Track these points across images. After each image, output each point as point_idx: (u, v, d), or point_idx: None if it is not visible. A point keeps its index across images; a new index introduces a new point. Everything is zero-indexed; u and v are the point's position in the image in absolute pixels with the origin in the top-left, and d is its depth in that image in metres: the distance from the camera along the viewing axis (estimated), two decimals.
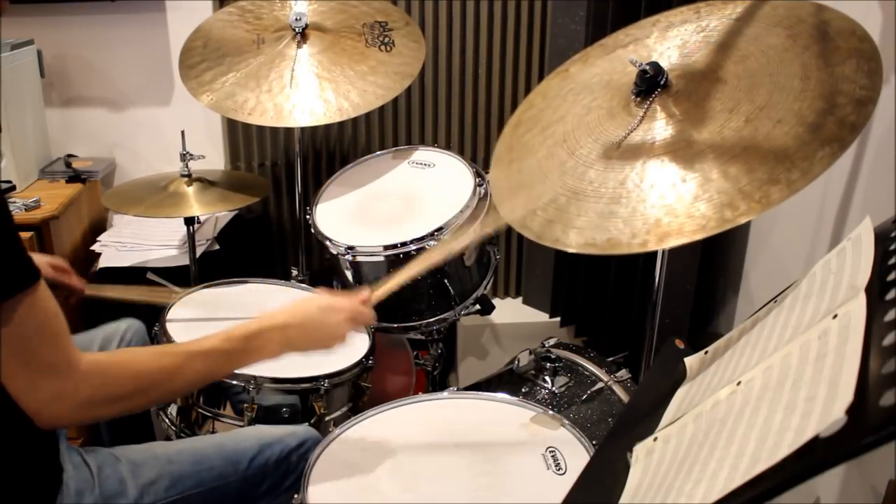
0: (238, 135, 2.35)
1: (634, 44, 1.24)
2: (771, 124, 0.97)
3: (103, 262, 2.01)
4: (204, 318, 1.56)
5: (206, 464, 1.18)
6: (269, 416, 1.38)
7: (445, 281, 1.65)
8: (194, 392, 1.42)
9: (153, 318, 1.52)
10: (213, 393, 1.42)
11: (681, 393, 0.89)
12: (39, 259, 1.35)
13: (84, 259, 2.12)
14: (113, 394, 0.95)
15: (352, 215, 1.75)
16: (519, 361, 1.63)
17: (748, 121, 0.99)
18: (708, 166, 0.98)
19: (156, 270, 1.95)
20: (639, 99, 1.10)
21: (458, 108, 2.34)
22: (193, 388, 1.13)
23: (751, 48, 1.08)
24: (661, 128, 1.06)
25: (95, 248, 2.09)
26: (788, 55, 1.03)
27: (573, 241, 1.03)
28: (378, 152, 1.92)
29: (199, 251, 2.00)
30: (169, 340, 1.43)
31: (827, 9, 1.06)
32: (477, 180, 1.70)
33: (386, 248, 1.61)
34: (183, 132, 1.86)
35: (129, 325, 1.51)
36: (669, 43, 1.19)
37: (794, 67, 1.01)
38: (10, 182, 2.01)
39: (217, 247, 2.10)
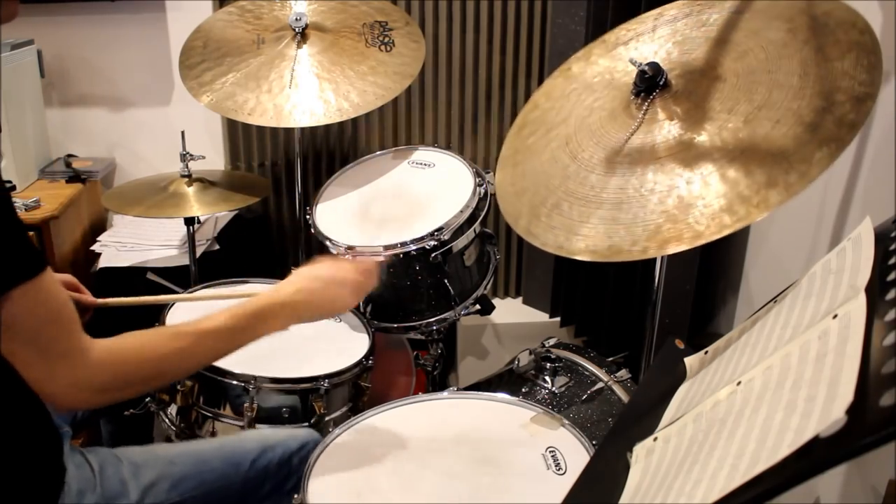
0: (238, 135, 2.35)
1: (635, 39, 1.24)
2: (770, 125, 0.96)
3: (103, 263, 2.01)
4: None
5: (207, 465, 1.18)
6: (268, 416, 1.38)
7: (445, 281, 1.65)
8: (194, 392, 1.42)
9: (155, 319, 1.52)
10: (213, 393, 1.42)
11: (681, 393, 0.89)
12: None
13: (84, 259, 2.12)
14: (130, 378, 0.96)
15: (352, 215, 1.74)
16: (519, 361, 1.63)
17: (747, 121, 0.99)
18: (707, 171, 0.97)
19: (156, 270, 1.95)
20: (638, 99, 1.10)
21: (458, 108, 2.33)
22: (203, 366, 1.16)
23: (750, 43, 1.07)
24: (660, 131, 1.06)
25: (95, 248, 2.09)
26: (788, 50, 1.02)
27: (577, 248, 1.03)
28: (378, 152, 1.92)
29: (199, 251, 2.00)
30: None
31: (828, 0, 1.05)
32: (477, 180, 1.69)
33: (386, 248, 1.61)
34: (183, 132, 1.86)
35: None
36: (668, 36, 1.18)
37: (793, 64, 1.00)
38: (10, 182, 2.00)
39: (217, 247, 2.10)
